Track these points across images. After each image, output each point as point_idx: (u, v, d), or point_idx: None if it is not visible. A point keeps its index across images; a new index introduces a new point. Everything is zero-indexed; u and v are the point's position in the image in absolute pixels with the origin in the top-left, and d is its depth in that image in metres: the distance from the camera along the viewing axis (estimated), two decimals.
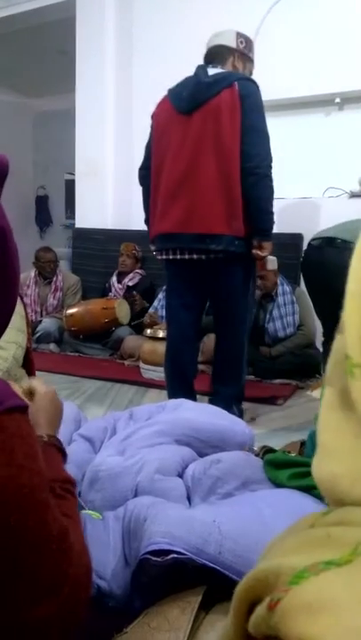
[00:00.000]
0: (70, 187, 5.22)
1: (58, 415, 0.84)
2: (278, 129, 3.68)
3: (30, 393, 0.84)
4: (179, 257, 2.06)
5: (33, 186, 6.70)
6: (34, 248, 4.46)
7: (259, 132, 1.91)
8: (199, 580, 0.73)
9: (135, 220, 3.98)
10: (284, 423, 2.37)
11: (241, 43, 2.07)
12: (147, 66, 3.92)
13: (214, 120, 1.90)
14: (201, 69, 2.02)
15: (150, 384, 2.93)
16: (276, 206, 3.56)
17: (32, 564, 0.53)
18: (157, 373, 2.96)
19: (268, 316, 3.17)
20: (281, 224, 3.51)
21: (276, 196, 3.65)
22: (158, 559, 0.70)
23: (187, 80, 2.04)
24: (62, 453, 0.79)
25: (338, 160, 3.39)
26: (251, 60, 2.12)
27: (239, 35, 2.08)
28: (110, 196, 4.12)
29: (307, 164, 3.46)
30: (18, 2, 4.26)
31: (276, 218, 3.52)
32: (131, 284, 3.83)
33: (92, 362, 3.47)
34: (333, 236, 2.15)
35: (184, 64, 3.65)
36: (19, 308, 1.92)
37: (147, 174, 2.15)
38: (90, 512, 1.00)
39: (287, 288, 3.17)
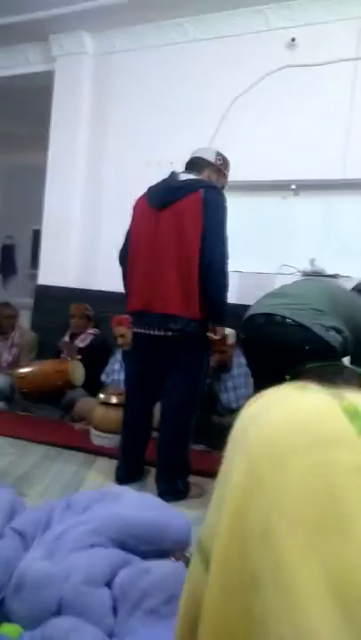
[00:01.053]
0: (37, 237, 5.26)
1: None
2: (240, 208, 3.90)
3: None
4: (144, 331, 2.31)
5: (0, 235, 6.72)
6: None
7: (215, 234, 2.14)
8: None
9: (97, 280, 4.05)
10: None
11: (218, 160, 2.38)
12: (120, 134, 4.11)
13: (179, 219, 2.15)
14: (173, 175, 2.31)
15: (100, 452, 2.87)
16: (235, 279, 3.73)
17: None
18: (108, 440, 2.92)
19: (222, 387, 3.21)
20: (239, 295, 3.65)
21: (234, 269, 3.83)
22: None
23: (161, 182, 2.32)
24: None
25: (292, 240, 3.60)
26: (225, 176, 2.42)
27: (218, 153, 2.40)
28: (74, 256, 4.18)
29: (264, 242, 3.64)
30: (2, 66, 4.44)
31: (234, 289, 3.69)
32: (82, 345, 3.80)
33: (42, 423, 3.39)
34: (272, 313, 2.17)
35: (155, 140, 3.88)
36: None
37: (125, 256, 2.41)
38: (9, 628, 0.96)
39: (243, 360, 3.24)
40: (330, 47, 3.42)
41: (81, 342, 3.82)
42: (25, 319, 5.19)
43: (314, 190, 3.59)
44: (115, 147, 4.12)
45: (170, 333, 2.22)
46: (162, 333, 2.24)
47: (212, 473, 2.26)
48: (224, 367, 3.24)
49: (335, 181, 3.48)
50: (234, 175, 3.70)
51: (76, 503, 1.44)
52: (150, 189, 2.35)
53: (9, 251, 6.70)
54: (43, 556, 1.16)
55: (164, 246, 2.19)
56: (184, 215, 2.14)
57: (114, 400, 3.05)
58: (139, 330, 2.34)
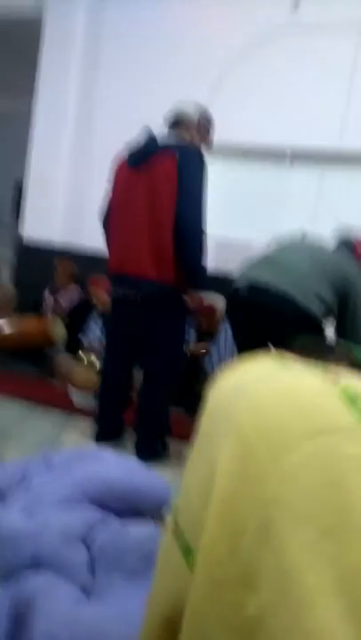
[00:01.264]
0: (20, 187, 5.07)
1: None
2: (231, 173, 3.80)
3: None
4: (120, 295, 2.31)
5: None
6: None
7: (191, 197, 2.09)
8: None
9: (84, 236, 3.92)
10: None
11: (202, 119, 2.28)
12: (111, 85, 3.91)
13: (154, 181, 2.09)
14: (151, 135, 2.21)
15: (78, 410, 2.86)
16: (220, 245, 3.67)
17: None
18: (87, 400, 2.90)
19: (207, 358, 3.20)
20: (223, 262, 3.60)
21: (222, 235, 3.76)
22: None
23: (139, 142, 2.22)
24: None
25: (284, 212, 3.53)
26: (209, 134, 2.31)
27: (202, 111, 2.28)
28: (60, 209, 4.04)
29: (255, 211, 3.57)
30: None
31: (217, 256, 3.63)
32: (65, 304, 3.74)
33: (20, 379, 3.34)
34: (255, 284, 2.11)
35: (148, 89, 3.70)
36: None
37: (107, 221, 2.37)
38: None
39: (230, 332, 3.22)
40: (334, 10, 3.27)
41: (64, 302, 3.75)
42: (4, 272, 5.06)
43: (309, 161, 3.51)
44: (107, 95, 3.93)
45: (142, 297, 2.20)
46: (136, 298, 2.22)
47: (189, 437, 2.27)
48: (210, 334, 3.22)
49: (331, 150, 3.39)
50: (227, 137, 3.61)
51: (53, 461, 1.42)
52: (129, 149, 2.28)
53: None
54: (18, 510, 1.14)
55: (139, 209, 2.14)
56: (159, 177, 2.08)
57: (94, 359, 3.03)
58: (116, 293, 2.34)
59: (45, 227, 4.02)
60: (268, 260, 2.23)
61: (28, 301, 3.97)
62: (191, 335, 2.96)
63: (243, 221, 3.64)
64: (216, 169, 3.80)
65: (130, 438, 2.42)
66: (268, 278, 2.10)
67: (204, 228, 2.14)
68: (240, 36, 3.47)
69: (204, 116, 2.29)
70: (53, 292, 3.82)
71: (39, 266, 3.99)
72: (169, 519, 0.42)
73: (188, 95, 3.47)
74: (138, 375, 2.50)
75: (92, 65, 3.94)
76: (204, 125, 2.28)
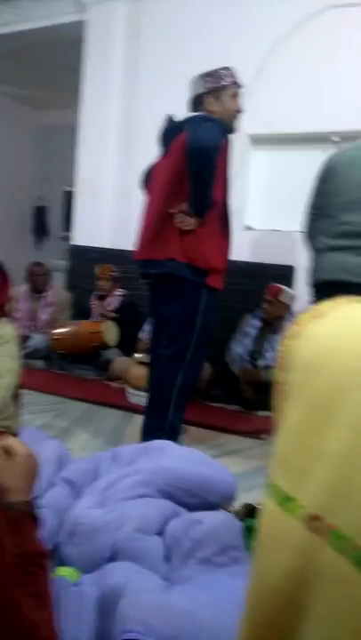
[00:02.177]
0: (69, 199, 5.23)
1: (33, 478, 0.82)
2: (276, 162, 3.76)
3: (6, 452, 0.82)
4: (142, 281, 2.25)
5: (32, 196, 6.71)
6: (29, 258, 4.46)
7: (192, 176, 1.95)
8: None
9: (132, 240, 4.00)
10: (267, 460, 2.37)
11: (207, 82, 2.10)
12: (152, 89, 3.96)
13: (168, 162, 2.05)
14: (167, 118, 2.18)
15: (136, 409, 2.92)
16: (270, 237, 3.64)
17: None
18: (144, 399, 2.95)
19: (267, 346, 3.17)
20: (274, 255, 3.56)
21: (270, 227, 3.72)
22: None
23: (160, 130, 2.21)
24: (35, 519, 0.78)
25: None
26: (225, 87, 2.09)
27: (203, 76, 2.11)
28: (108, 215, 4.14)
29: (302, 198, 3.49)
30: (31, 18, 4.30)
31: (269, 249, 3.60)
32: (110, 308, 3.79)
33: (79, 382, 3.45)
34: (347, 280, 1.94)
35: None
36: (13, 333, 1.92)
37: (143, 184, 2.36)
38: (66, 571, 0.99)
39: None
40: None
41: (109, 305, 3.80)
42: (58, 282, 5.23)
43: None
44: (148, 101, 3.99)
45: (154, 280, 2.14)
46: (149, 280, 2.17)
47: (245, 432, 2.23)
48: (270, 326, 3.20)
49: None
50: (270, 127, 3.57)
51: (121, 455, 1.47)
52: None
53: (41, 212, 6.70)
54: (94, 504, 1.19)
55: (153, 192, 2.12)
56: (171, 158, 2.03)
57: (147, 358, 3.08)
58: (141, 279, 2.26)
59: (95, 233, 4.13)
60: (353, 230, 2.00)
61: (80, 307, 4.09)
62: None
63: (289, 211, 3.59)
64: (261, 158, 3.77)
65: (185, 432, 2.44)
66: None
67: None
68: (281, 21, 3.42)
69: (208, 77, 2.10)
70: (99, 299, 3.88)
71: (91, 272, 4.10)
72: (294, 511, 0.38)
73: None
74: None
75: (132, 72, 4.02)
76: (214, 87, 2.09)
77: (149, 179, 2.26)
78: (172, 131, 2.09)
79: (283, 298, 3.13)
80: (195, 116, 2.06)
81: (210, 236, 2.07)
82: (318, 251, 2.20)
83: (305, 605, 0.37)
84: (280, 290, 3.13)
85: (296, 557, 0.38)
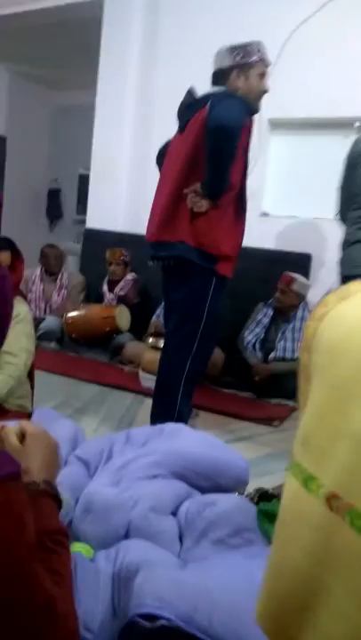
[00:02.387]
0: (84, 182, 5.20)
1: (52, 457, 0.81)
2: (295, 148, 3.69)
3: (22, 435, 0.82)
4: (153, 263, 2.17)
5: (46, 178, 6.69)
6: (43, 240, 4.46)
7: (211, 155, 1.88)
8: None
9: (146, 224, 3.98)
10: (279, 447, 2.37)
11: (237, 55, 2.00)
12: (170, 71, 3.90)
13: (185, 140, 1.97)
14: (188, 92, 2.08)
15: (148, 393, 2.93)
16: (287, 224, 3.59)
17: (16, 635, 0.54)
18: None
19: (279, 335, 3.16)
20: (291, 243, 3.52)
21: (287, 213, 3.67)
22: (147, 623, 0.70)
23: (180, 105, 2.11)
24: (56, 499, 0.78)
25: None
26: (253, 65, 2.01)
27: (233, 49, 2.01)
28: (124, 199, 4.11)
29: (321, 185, 3.44)
30: None
31: (286, 236, 3.56)
32: (122, 293, 3.77)
33: (92, 365, 3.47)
34: None
35: (208, 70, 3.66)
36: (27, 312, 1.93)
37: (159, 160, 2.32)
38: (81, 547, 1.00)
39: (307, 315, 3.16)
40: None
41: (121, 290, 3.79)
42: (71, 264, 5.23)
43: None
44: (166, 81, 3.93)
45: (166, 262, 2.08)
46: (161, 263, 2.10)
47: (257, 419, 2.22)
48: (283, 315, 3.18)
49: None
50: (291, 112, 3.50)
51: (135, 437, 1.47)
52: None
53: (55, 194, 6.69)
54: (108, 483, 1.20)
55: (169, 171, 2.04)
56: (190, 136, 1.94)
57: (161, 344, 3.07)
58: (155, 262, 2.18)
59: (110, 217, 4.11)
60: None
61: (95, 291, 4.10)
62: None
63: (310, 198, 3.53)
64: (280, 143, 3.71)
65: (197, 416, 2.45)
66: None
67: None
68: (302, 5, 3.33)
69: (239, 51, 2.00)
70: (110, 285, 3.86)
71: (105, 255, 4.10)
72: (315, 490, 0.40)
73: None
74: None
75: (150, 52, 3.95)
76: (241, 63, 1.99)
77: (164, 156, 2.20)
78: (191, 106, 2.00)
79: (295, 287, 3.10)
80: (218, 92, 1.97)
81: (222, 221, 2.00)
82: (347, 242, 2.20)
83: (322, 584, 0.38)
84: (292, 279, 3.11)
85: (315, 536, 0.38)
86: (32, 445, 0.79)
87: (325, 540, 0.37)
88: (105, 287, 3.88)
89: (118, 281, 3.82)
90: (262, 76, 2.03)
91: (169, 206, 1.99)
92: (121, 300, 3.75)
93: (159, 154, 2.32)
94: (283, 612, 0.42)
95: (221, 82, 2.03)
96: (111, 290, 3.85)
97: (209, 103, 1.89)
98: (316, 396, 0.41)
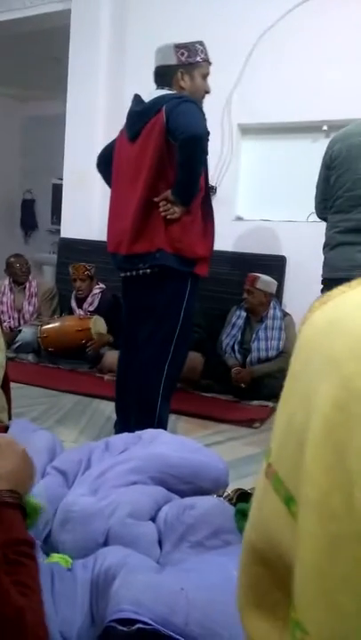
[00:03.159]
0: (57, 192, 5.18)
1: (21, 466, 0.79)
2: (266, 152, 3.74)
3: None
4: (122, 274, 2.15)
5: (19, 189, 6.64)
6: (18, 252, 4.41)
7: (185, 164, 1.88)
8: None
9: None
10: (260, 448, 2.38)
11: (182, 54, 1.97)
12: (140, 78, 3.91)
13: (146, 149, 1.93)
14: (135, 98, 2.06)
15: None
16: (261, 228, 3.63)
17: None
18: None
19: (253, 336, 3.19)
20: (265, 246, 3.56)
21: (261, 217, 3.71)
22: (124, 628, 0.69)
23: (129, 112, 2.08)
24: (21, 509, 0.76)
25: None
26: (198, 65, 1.99)
27: (178, 47, 1.98)
28: (97, 207, 4.10)
29: (292, 188, 3.50)
30: (16, 7, 4.23)
31: (260, 239, 3.60)
32: (91, 309, 3.71)
33: (71, 375, 3.44)
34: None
35: None
36: None
37: (100, 162, 2.34)
38: (59, 557, 0.99)
39: (278, 314, 3.20)
40: None
41: (90, 306, 3.72)
42: (48, 274, 5.19)
43: None
44: (135, 91, 3.94)
45: (140, 272, 2.04)
46: (132, 273, 2.06)
47: (239, 421, 2.23)
48: (256, 314, 3.21)
49: None
50: (260, 117, 3.55)
51: (113, 445, 1.46)
52: (125, 122, 2.11)
53: (29, 205, 6.64)
54: (86, 492, 1.19)
55: (130, 181, 1.99)
56: (148, 142, 1.90)
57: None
58: (120, 272, 2.16)
59: (84, 226, 4.10)
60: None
61: (70, 302, 4.06)
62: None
63: (280, 201, 3.58)
64: (251, 148, 3.75)
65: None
66: None
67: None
68: (270, 9, 3.39)
69: (183, 49, 1.97)
70: (78, 302, 3.78)
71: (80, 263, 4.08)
72: (263, 463, 0.42)
73: (216, 79, 3.46)
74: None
75: (119, 61, 3.97)
76: (186, 63, 1.97)
77: (107, 163, 2.17)
78: (143, 113, 1.96)
79: (259, 285, 3.15)
80: (168, 96, 1.93)
81: (195, 224, 2.02)
82: (328, 246, 2.24)
83: (263, 557, 0.38)
84: (255, 278, 3.16)
85: (257, 509, 0.39)
86: None
87: (262, 510, 0.38)
88: (73, 303, 3.80)
89: (86, 297, 3.75)
90: (205, 76, 2.03)
91: (140, 217, 1.97)
92: (92, 314, 3.70)
93: (102, 160, 2.29)
94: (251, 600, 0.43)
95: (166, 81, 2.01)
96: (80, 306, 3.77)
97: (163, 109, 1.87)
98: (283, 389, 0.43)
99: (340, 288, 0.42)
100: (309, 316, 0.39)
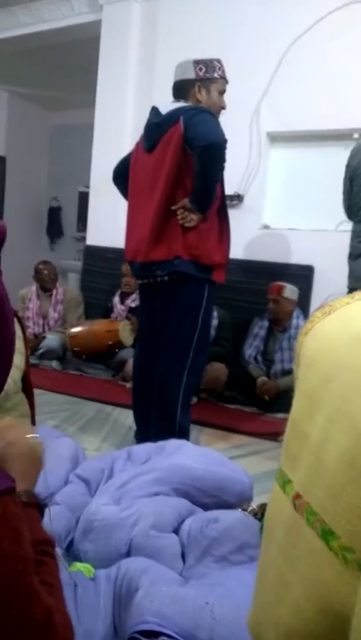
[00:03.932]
0: (83, 199, 5.24)
1: (32, 463, 0.76)
2: (295, 160, 3.71)
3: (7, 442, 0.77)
4: (140, 281, 2.20)
5: (46, 197, 6.75)
6: (44, 259, 4.48)
7: (203, 172, 1.90)
8: None
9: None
10: None
11: (200, 70, 2.04)
12: (168, 89, 3.95)
13: (164, 159, 1.95)
14: (153, 110, 2.09)
15: None
16: (288, 237, 3.59)
17: None
18: None
19: (276, 346, 3.14)
20: (292, 255, 3.51)
21: (288, 226, 3.67)
22: None
23: (147, 121, 2.12)
24: (39, 507, 0.74)
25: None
26: (215, 80, 2.06)
27: (197, 63, 2.05)
28: (123, 215, 4.11)
29: (322, 197, 3.45)
30: (47, 19, 4.33)
31: (287, 248, 3.56)
32: (133, 305, 3.79)
33: (94, 382, 3.45)
34: None
35: None
36: (17, 329, 1.90)
37: (117, 176, 2.36)
38: (82, 566, 0.97)
39: (302, 323, 3.14)
40: None
41: (133, 302, 3.81)
42: (73, 281, 5.24)
43: None
44: (163, 101, 3.98)
45: (158, 279, 2.06)
46: (150, 280, 2.09)
47: (263, 434, 2.19)
48: (279, 325, 3.16)
49: None
50: (290, 124, 3.53)
51: (136, 454, 1.45)
52: (143, 134, 2.15)
53: (55, 213, 6.74)
54: (109, 502, 1.17)
55: (147, 189, 2.02)
56: (167, 153, 1.93)
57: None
58: (138, 280, 2.21)
59: (110, 234, 4.12)
60: None
61: (96, 307, 4.09)
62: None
63: (310, 209, 3.53)
64: (279, 156, 3.73)
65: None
66: None
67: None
68: (302, 17, 3.37)
69: (201, 65, 2.03)
70: (122, 297, 3.92)
71: (106, 271, 4.11)
72: (274, 486, 0.42)
73: (247, 88, 3.45)
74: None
75: (148, 71, 4.01)
76: (204, 78, 2.03)
77: (124, 175, 2.21)
78: (160, 125, 2.00)
79: (286, 294, 3.10)
80: (185, 108, 1.97)
81: (211, 231, 2.04)
82: (352, 256, 2.23)
83: (285, 581, 0.39)
84: (282, 287, 3.12)
85: (285, 534, 0.40)
86: (11, 449, 0.74)
87: (291, 537, 0.38)
88: (117, 299, 3.91)
89: (131, 293, 3.84)
90: (222, 92, 2.08)
91: (158, 224, 2.00)
92: (132, 311, 3.76)
93: (119, 173, 2.32)
94: (262, 616, 0.43)
95: (183, 94, 2.06)
96: (123, 302, 3.88)
97: (181, 120, 1.91)
98: (294, 405, 0.43)
99: (343, 299, 0.42)
100: (312, 327, 0.39)
